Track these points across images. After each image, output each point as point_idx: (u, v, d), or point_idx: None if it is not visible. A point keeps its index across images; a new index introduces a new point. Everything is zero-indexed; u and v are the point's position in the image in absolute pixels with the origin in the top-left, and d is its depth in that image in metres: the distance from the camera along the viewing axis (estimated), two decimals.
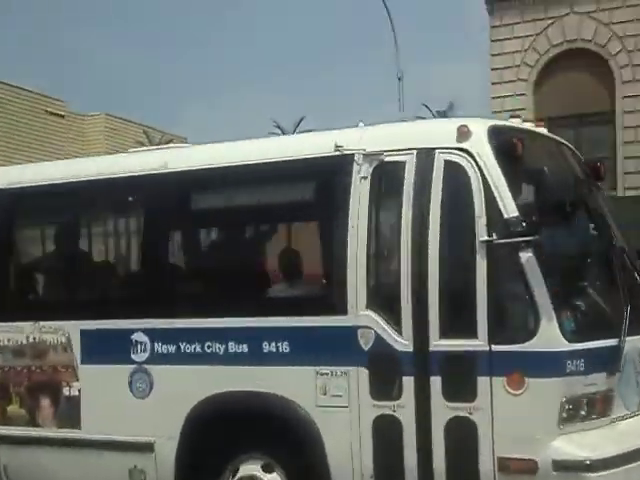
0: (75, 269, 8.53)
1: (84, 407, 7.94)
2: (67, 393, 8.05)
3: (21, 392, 8.31)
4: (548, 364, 6.27)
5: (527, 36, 24.28)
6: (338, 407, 6.86)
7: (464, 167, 6.62)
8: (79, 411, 7.96)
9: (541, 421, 6.30)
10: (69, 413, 8.03)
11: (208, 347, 7.34)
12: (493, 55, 24.89)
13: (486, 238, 6.43)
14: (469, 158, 6.61)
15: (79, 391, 7.99)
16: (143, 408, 7.66)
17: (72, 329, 7.99)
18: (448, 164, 6.68)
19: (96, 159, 10.31)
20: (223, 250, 7.78)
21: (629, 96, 23.27)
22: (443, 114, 33.37)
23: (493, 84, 24.80)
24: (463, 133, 6.68)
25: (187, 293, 7.76)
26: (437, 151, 6.73)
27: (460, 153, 6.65)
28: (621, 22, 23.39)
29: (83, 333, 7.96)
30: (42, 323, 8.12)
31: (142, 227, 8.02)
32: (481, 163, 6.58)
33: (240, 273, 7.46)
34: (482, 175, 6.54)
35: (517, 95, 24.18)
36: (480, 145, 6.65)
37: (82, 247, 8.71)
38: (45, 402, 8.19)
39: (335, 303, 6.90)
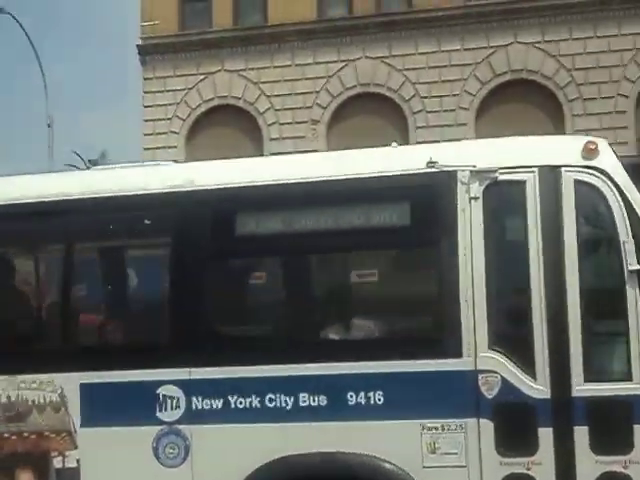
0: (76, 303, 6.81)
1: None
2: (59, 465, 6.36)
3: None
4: None
5: (179, 90, 24.59)
6: (453, 467, 5.78)
7: (599, 187, 5.86)
8: None
9: None
10: None
11: (270, 400, 6.02)
12: (146, 107, 24.90)
13: (637, 267, 5.68)
14: (603, 177, 5.87)
15: (77, 462, 6.33)
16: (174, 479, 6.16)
17: (67, 383, 6.34)
18: (579, 184, 5.89)
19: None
20: (290, 281, 6.42)
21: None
22: (95, 162, 33.20)
23: (146, 135, 24.77)
24: (591, 150, 5.94)
25: (242, 335, 6.34)
26: (563, 169, 5.93)
27: (591, 171, 5.89)
28: (269, 82, 24.06)
29: (84, 388, 6.33)
30: (21, 377, 6.40)
31: (177, 254, 6.50)
32: (618, 182, 5.86)
33: (316, 308, 6.24)
34: (621, 195, 5.81)
35: (169, 147, 24.19)
36: (612, 163, 5.94)
37: (86, 276, 6.99)
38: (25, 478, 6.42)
39: (446, 344, 5.84)
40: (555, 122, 22.70)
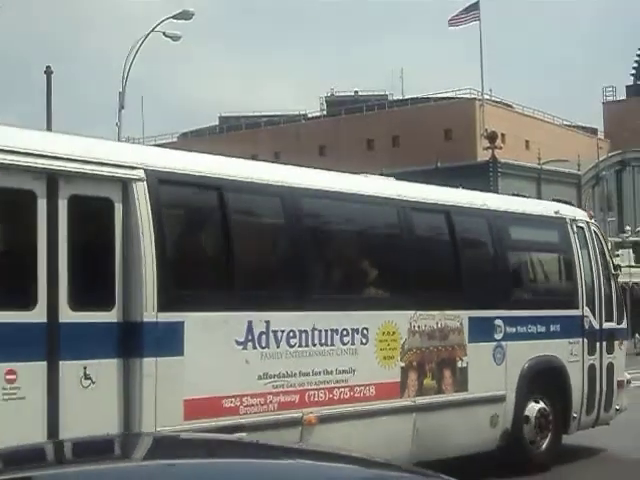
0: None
1: (470, 375, 10.78)
2: (460, 365, 10.69)
3: (432, 367, 10.33)
4: None
5: None
6: (575, 361, 12.40)
7: None
8: (467, 378, 10.75)
9: None
10: (461, 380, 10.66)
11: (529, 328, 11.69)
12: None
13: None
14: None
15: (467, 363, 10.77)
16: (500, 371, 11.18)
17: (464, 317, 10.77)
18: None
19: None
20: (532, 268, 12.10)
21: None
22: None
23: None
24: None
25: (527, 290, 12.00)
26: None
27: None
28: None
29: (470, 320, 10.85)
30: (446, 312, 10.59)
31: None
32: None
33: (538, 284, 12.38)
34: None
35: None
36: None
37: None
38: (447, 373, 10.50)
39: (575, 303, 12.49)
40: None
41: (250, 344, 8.66)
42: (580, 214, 13.40)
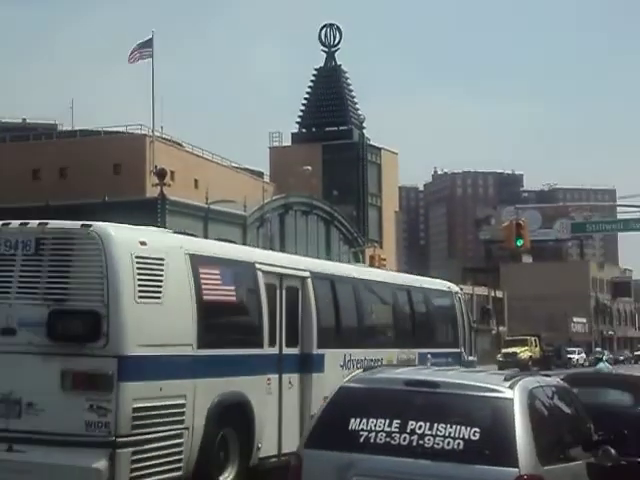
0: None
1: None
2: None
3: None
4: None
5: None
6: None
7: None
8: None
9: None
10: None
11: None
12: None
13: None
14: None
15: None
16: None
17: None
18: None
19: None
20: None
21: None
22: None
23: None
24: None
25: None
26: None
27: None
28: None
29: None
30: None
31: None
32: None
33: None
34: None
35: None
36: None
37: None
38: None
39: (456, 344, 20.24)
40: None
41: (344, 366, 15.62)
42: (456, 289, 21.38)
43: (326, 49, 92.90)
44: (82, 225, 11.03)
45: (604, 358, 22.90)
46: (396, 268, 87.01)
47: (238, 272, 13.19)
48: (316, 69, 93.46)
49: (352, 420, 7.56)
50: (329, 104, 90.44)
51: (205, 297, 12.03)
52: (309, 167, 58.83)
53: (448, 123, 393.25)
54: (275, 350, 13.73)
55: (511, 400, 7.45)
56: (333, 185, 77.91)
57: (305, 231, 71.52)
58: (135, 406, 10.63)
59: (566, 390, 9.06)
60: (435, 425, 7.33)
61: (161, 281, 11.24)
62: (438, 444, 7.24)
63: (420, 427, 7.34)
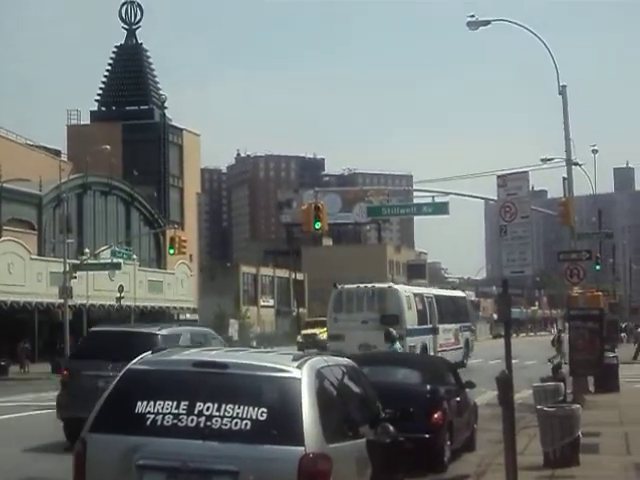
0: None
1: None
2: None
3: None
4: None
5: None
6: None
7: None
8: None
9: None
10: None
11: None
12: None
13: None
14: None
15: None
16: None
17: None
18: None
19: None
20: None
21: None
22: None
23: None
24: None
25: None
26: None
27: None
28: None
29: None
30: None
31: None
32: None
33: None
34: None
35: None
36: None
37: None
38: None
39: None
40: None
41: None
42: (467, 295, 26.17)
43: (127, 26, 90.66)
44: None
45: (397, 337, 24.02)
46: (197, 250, 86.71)
47: None
48: (116, 46, 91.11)
49: (139, 403, 7.42)
50: (130, 83, 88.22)
51: None
52: (108, 146, 57.26)
53: (254, 106, 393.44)
54: None
55: (299, 380, 7.49)
56: (134, 165, 76.42)
57: (104, 212, 70.20)
58: None
59: (355, 369, 9.21)
60: (223, 406, 7.30)
61: None
62: (226, 425, 7.21)
63: (208, 408, 7.30)
